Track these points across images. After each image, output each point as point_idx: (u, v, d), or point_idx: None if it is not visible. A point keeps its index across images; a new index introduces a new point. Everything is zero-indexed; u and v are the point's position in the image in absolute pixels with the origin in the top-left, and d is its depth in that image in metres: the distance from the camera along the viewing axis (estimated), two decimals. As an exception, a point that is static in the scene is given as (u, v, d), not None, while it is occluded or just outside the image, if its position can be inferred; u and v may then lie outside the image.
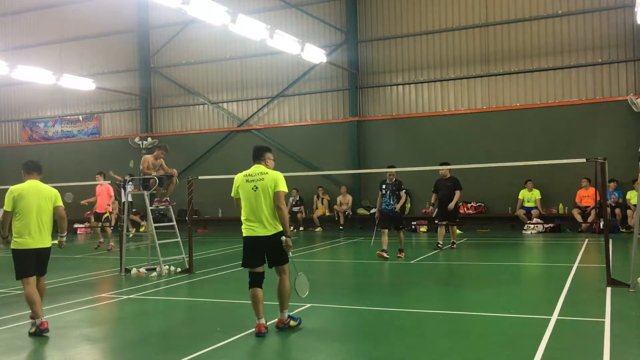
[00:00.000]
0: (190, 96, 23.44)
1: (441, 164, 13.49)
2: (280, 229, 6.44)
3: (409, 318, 7.20)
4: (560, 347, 5.61)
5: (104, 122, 25.16)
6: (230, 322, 7.09)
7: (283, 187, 6.47)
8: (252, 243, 6.52)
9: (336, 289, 9.18)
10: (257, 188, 6.45)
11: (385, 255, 12.15)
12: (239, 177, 6.60)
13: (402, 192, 12.45)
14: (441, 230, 13.79)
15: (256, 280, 6.50)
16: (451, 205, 13.33)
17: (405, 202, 13.01)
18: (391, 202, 12.43)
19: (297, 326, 6.52)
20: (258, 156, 6.76)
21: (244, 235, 6.57)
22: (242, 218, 6.61)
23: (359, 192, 20.32)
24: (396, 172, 12.83)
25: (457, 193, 13.48)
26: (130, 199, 16.62)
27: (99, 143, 24.87)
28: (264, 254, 6.52)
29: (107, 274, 11.39)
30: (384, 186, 12.58)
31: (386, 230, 12.47)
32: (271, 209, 6.42)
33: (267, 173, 6.51)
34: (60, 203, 7.48)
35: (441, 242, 13.60)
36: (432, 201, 14.06)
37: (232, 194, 6.69)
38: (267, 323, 6.43)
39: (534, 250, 14.45)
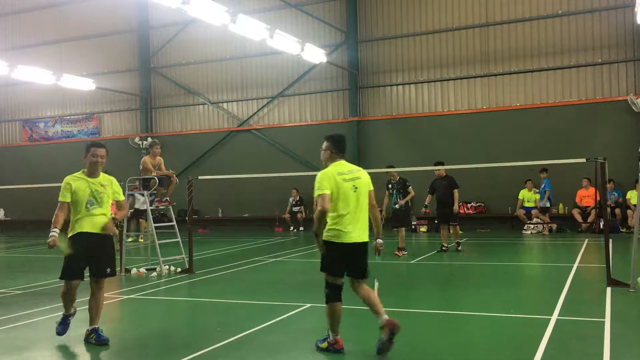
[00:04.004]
0: (190, 96, 23.44)
1: (436, 164, 13.21)
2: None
3: (408, 318, 7.19)
4: (560, 347, 5.61)
5: (104, 122, 25.17)
6: (230, 322, 7.08)
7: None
8: (353, 250, 5.58)
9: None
10: (356, 188, 5.60)
11: (403, 252, 12.65)
12: (331, 174, 5.55)
13: (410, 188, 12.81)
14: (444, 232, 13.38)
15: (339, 293, 5.66)
16: (455, 208, 13.05)
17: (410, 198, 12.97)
18: (398, 200, 12.73)
19: None
20: (344, 150, 5.82)
21: (343, 240, 5.53)
22: (335, 221, 5.54)
23: (359, 192, 20.32)
24: (392, 171, 12.96)
25: (456, 192, 13.11)
26: (144, 207, 17.06)
27: (99, 143, 24.85)
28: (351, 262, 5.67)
29: (107, 274, 11.37)
30: (390, 185, 12.83)
31: (402, 228, 12.83)
32: (367, 212, 5.73)
33: (360, 170, 5.79)
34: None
35: (446, 245, 13.23)
36: (427, 202, 13.57)
37: (324, 191, 5.46)
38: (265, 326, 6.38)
39: (534, 250, 14.45)
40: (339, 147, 5.76)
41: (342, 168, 5.67)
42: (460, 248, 13.32)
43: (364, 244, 5.68)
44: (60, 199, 6.43)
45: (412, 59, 20.10)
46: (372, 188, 5.81)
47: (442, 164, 13.28)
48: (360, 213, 5.64)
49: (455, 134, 19.22)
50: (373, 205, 5.79)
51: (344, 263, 5.62)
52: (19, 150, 26.46)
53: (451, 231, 13.40)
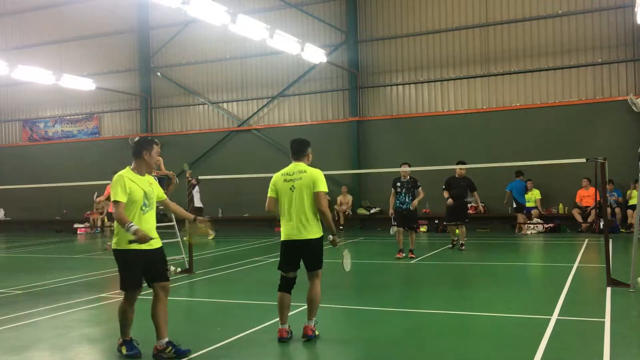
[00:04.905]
0: (190, 96, 23.44)
1: (458, 163, 13.22)
2: (318, 234, 6.05)
3: (408, 318, 7.20)
4: (560, 347, 5.61)
5: (104, 122, 25.16)
6: (230, 322, 7.09)
7: (323, 187, 6.03)
8: (289, 247, 6.10)
9: (336, 289, 9.17)
10: (294, 188, 6.01)
11: (402, 254, 12.21)
12: (276, 176, 6.18)
13: (421, 189, 12.34)
14: (452, 229, 13.78)
15: (286, 285, 6.17)
16: (480, 208, 13.68)
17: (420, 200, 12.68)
18: (407, 200, 12.18)
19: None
20: (299, 152, 6.22)
21: (281, 238, 6.17)
22: (280, 220, 6.17)
23: (358, 192, 20.32)
24: (392, 171, 12.75)
25: (476, 194, 13.50)
26: (199, 204, 18.00)
27: (99, 143, 24.87)
28: (299, 258, 6.13)
29: (107, 274, 11.38)
30: (398, 184, 12.26)
31: (401, 229, 12.32)
32: (310, 211, 6.00)
33: (305, 171, 6.07)
34: (111, 196, 5.77)
35: (456, 238, 13.64)
36: (447, 197, 13.52)
37: (268, 193, 6.20)
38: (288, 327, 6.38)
39: (534, 250, 14.45)
40: (291, 150, 6.27)
41: (290, 169, 6.15)
42: (463, 248, 13.35)
43: (305, 242, 6.00)
44: (116, 198, 5.48)
45: (412, 59, 20.10)
46: (320, 190, 6.02)
47: (464, 163, 13.17)
48: (298, 212, 5.99)
49: (455, 134, 19.22)
50: (319, 208, 6.03)
51: (288, 259, 6.12)
52: (19, 150, 26.46)
53: (458, 230, 13.57)
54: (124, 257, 5.57)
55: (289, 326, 6.11)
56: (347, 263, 6.57)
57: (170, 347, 5.63)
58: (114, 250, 5.62)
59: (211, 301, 8.66)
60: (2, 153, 26.77)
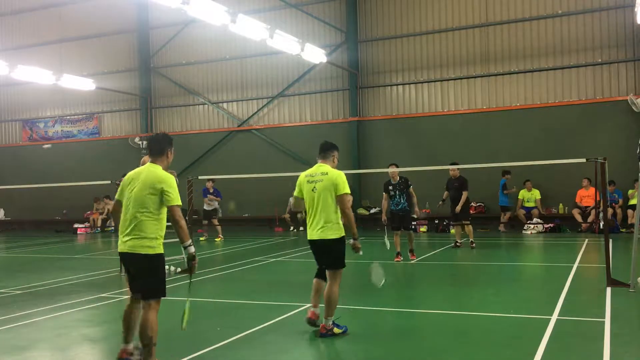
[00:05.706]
0: (190, 96, 23.44)
1: (451, 164, 13.58)
2: (336, 235, 6.14)
3: (408, 318, 7.21)
4: (560, 347, 5.62)
5: (104, 122, 25.16)
6: (230, 322, 7.09)
7: (345, 189, 6.10)
8: (313, 246, 6.37)
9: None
10: (316, 189, 6.18)
11: (400, 258, 11.86)
12: (301, 177, 6.43)
13: (412, 189, 12.01)
14: (457, 229, 13.99)
15: (320, 273, 6.46)
16: (457, 208, 13.55)
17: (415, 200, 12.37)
18: (401, 201, 11.89)
19: (342, 334, 6.21)
20: (324, 152, 6.43)
21: (307, 238, 6.40)
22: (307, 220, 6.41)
23: (359, 192, 20.30)
24: (396, 172, 12.51)
25: (464, 194, 13.50)
26: (209, 207, 18.51)
27: (99, 143, 24.88)
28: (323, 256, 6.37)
29: (107, 274, 11.38)
30: (390, 187, 12.00)
31: (399, 232, 12.01)
32: (330, 213, 6.11)
33: (327, 173, 6.18)
34: (171, 201, 5.17)
35: (459, 241, 13.78)
36: (444, 197, 14.19)
37: (295, 193, 6.49)
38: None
39: (534, 250, 14.46)
40: (319, 151, 6.48)
41: (313, 170, 6.36)
42: (473, 246, 13.61)
43: (323, 242, 6.16)
44: (178, 202, 5.18)
45: (412, 59, 20.09)
46: (341, 192, 6.13)
47: (456, 164, 13.52)
48: (318, 213, 6.18)
49: (455, 134, 19.22)
50: (343, 209, 6.15)
51: (315, 256, 6.44)
52: (19, 150, 26.46)
53: (465, 230, 13.83)
54: (163, 261, 5.19)
55: (318, 311, 6.35)
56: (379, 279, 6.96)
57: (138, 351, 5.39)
58: (158, 255, 5.20)
59: (211, 301, 8.65)
60: (2, 153, 26.76)
